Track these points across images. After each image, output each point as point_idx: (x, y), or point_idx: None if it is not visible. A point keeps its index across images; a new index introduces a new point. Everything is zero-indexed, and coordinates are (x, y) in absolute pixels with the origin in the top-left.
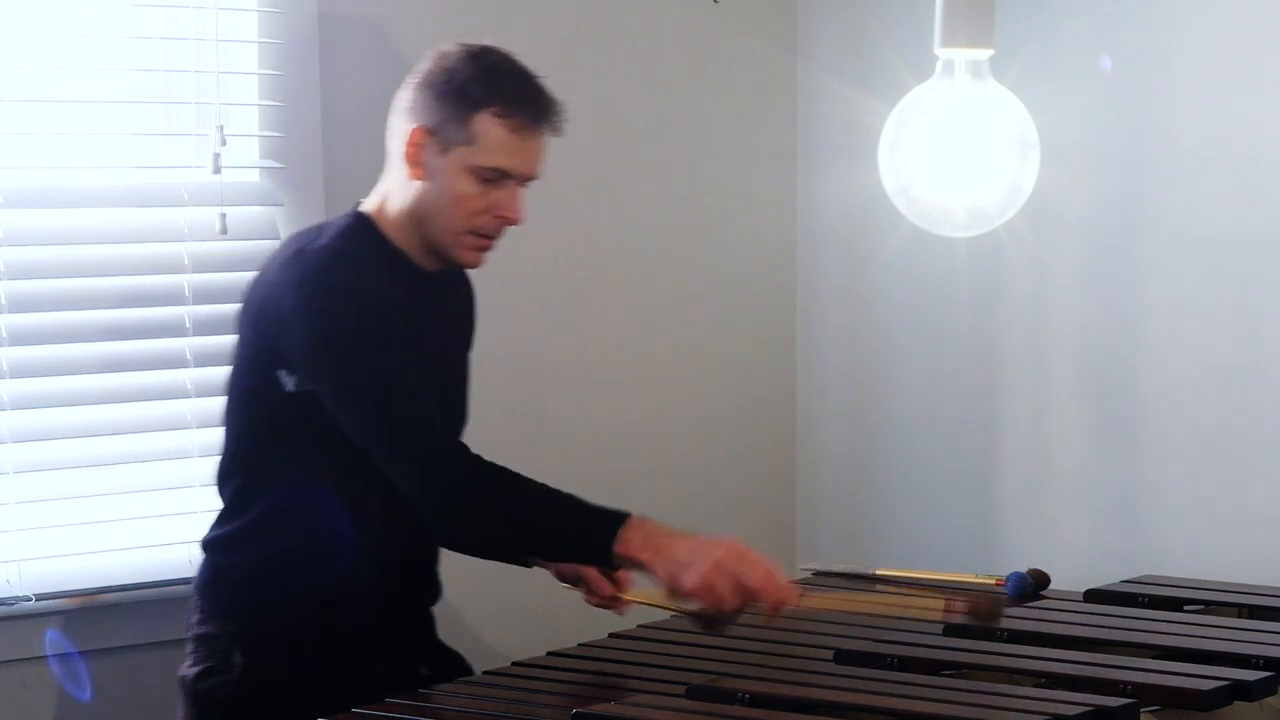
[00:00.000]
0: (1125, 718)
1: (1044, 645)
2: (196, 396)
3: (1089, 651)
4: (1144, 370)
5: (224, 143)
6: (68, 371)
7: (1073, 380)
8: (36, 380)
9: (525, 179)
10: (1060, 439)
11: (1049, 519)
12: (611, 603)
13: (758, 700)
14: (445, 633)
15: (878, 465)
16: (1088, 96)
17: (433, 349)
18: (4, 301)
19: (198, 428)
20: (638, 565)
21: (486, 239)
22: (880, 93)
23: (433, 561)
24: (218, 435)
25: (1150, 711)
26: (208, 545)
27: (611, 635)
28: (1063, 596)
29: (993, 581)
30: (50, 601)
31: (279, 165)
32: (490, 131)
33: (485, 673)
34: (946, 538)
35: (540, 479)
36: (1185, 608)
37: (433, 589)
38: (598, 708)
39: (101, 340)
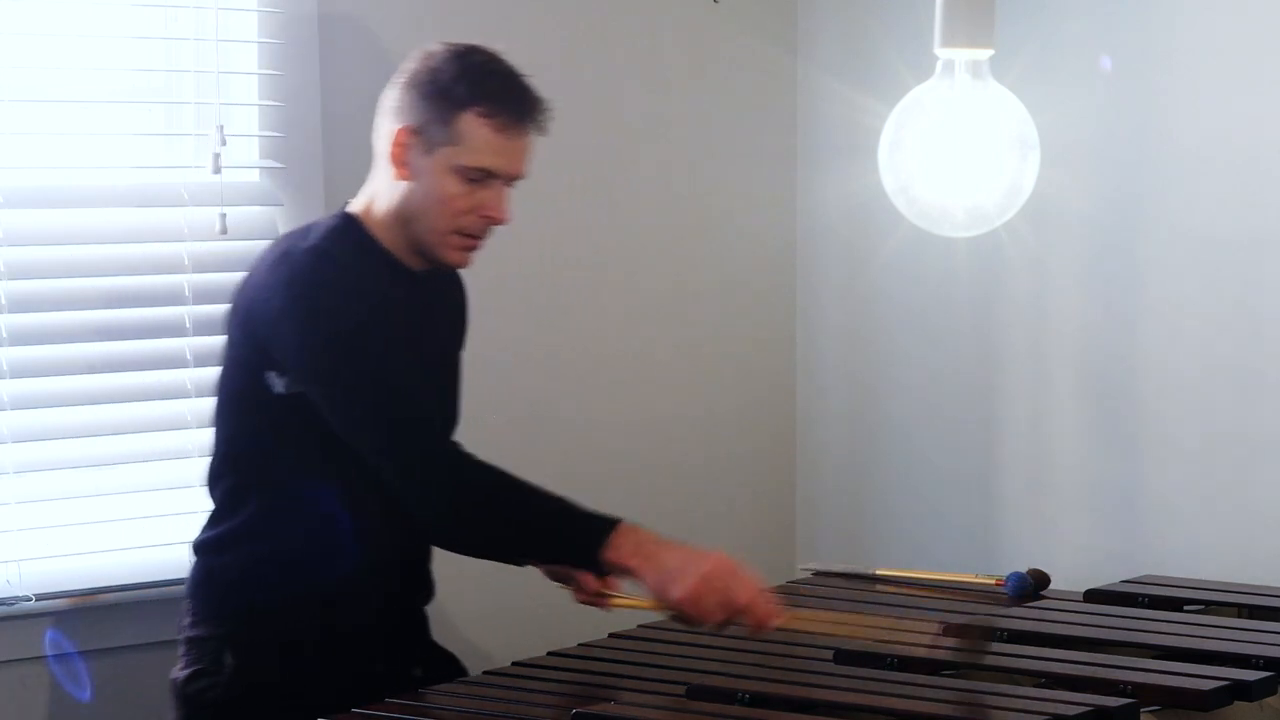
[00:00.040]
0: (1125, 718)
1: (1044, 645)
2: (196, 396)
3: (1089, 651)
4: (1144, 370)
5: (224, 143)
6: (68, 371)
7: (1073, 380)
8: (36, 380)
9: (511, 179)
10: (1060, 439)
11: (1049, 519)
12: (598, 599)
13: (758, 700)
14: (445, 633)
15: (878, 465)
16: (1088, 96)
17: (422, 349)
18: (4, 301)
19: (198, 428)
20: (627, 572)
21: (473, 239)
22: (880, 93)
23: (426, 561)
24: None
25: (1150, 711)
26: (199, 548)
27: (611, 635)
28: (1063, 596)
29: (993, 581)
30: (50, 601)
31: (279, 165)
32: (474, 132)
33: (485, 673)
34: (946, 538)
35: (540, 478)
36: (1185, 608)
37: (426, 589)
38: (598, 708)
39: (101, 340)
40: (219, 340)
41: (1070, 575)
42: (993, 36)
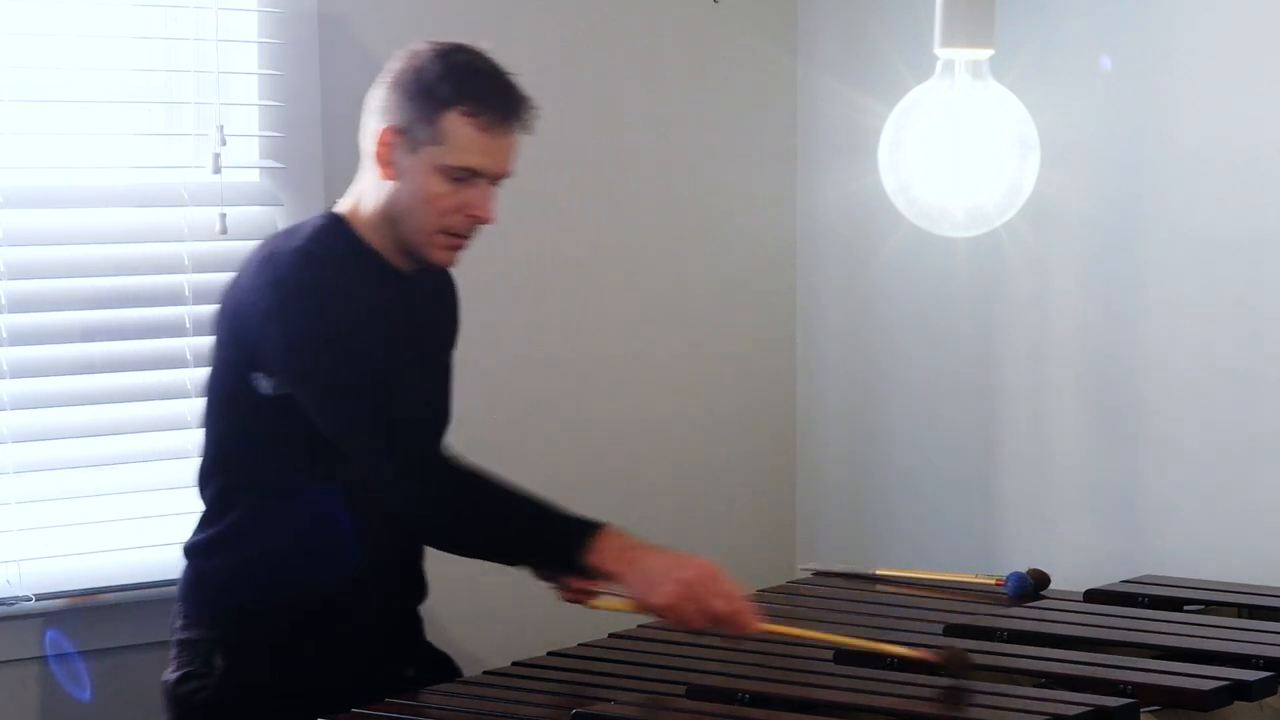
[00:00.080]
0: (1125, 718)
1: (1044, 645)
2: (196, 396)
3: (1089, 651)
4: (1144, 370)
5: (224, 143)
6: (68, 371)
7: (1073, 380)
8: (36, 380)
9: (497, 177)
10: (1060, 439)
11: (1049, 519)
12: (582, 596)
13: (758, 700)
14: (445, 633)
15: (878, 465)
16: (1088, 96)
17: (410, 349)
18: (4, 301)
19: (198, 428)
20: (609, 577)
21: (459, 238)
22: (880, 93)
23: (421, 560)
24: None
25: (1150, 711)
26: (189, 551)
27: (611, 635)
28: (1063, 596)
29: (993, 581)
30: (50, 601)
31: (279, 165)
32: (458, 131)
33: (485, 672)
34: (946, 538)
35: (540, 478)
36: (1185, 608)
37: (421, 588)
38: (598, 708)
39: (101, 340)
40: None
41: (1070, 575)
42: (993, 36)
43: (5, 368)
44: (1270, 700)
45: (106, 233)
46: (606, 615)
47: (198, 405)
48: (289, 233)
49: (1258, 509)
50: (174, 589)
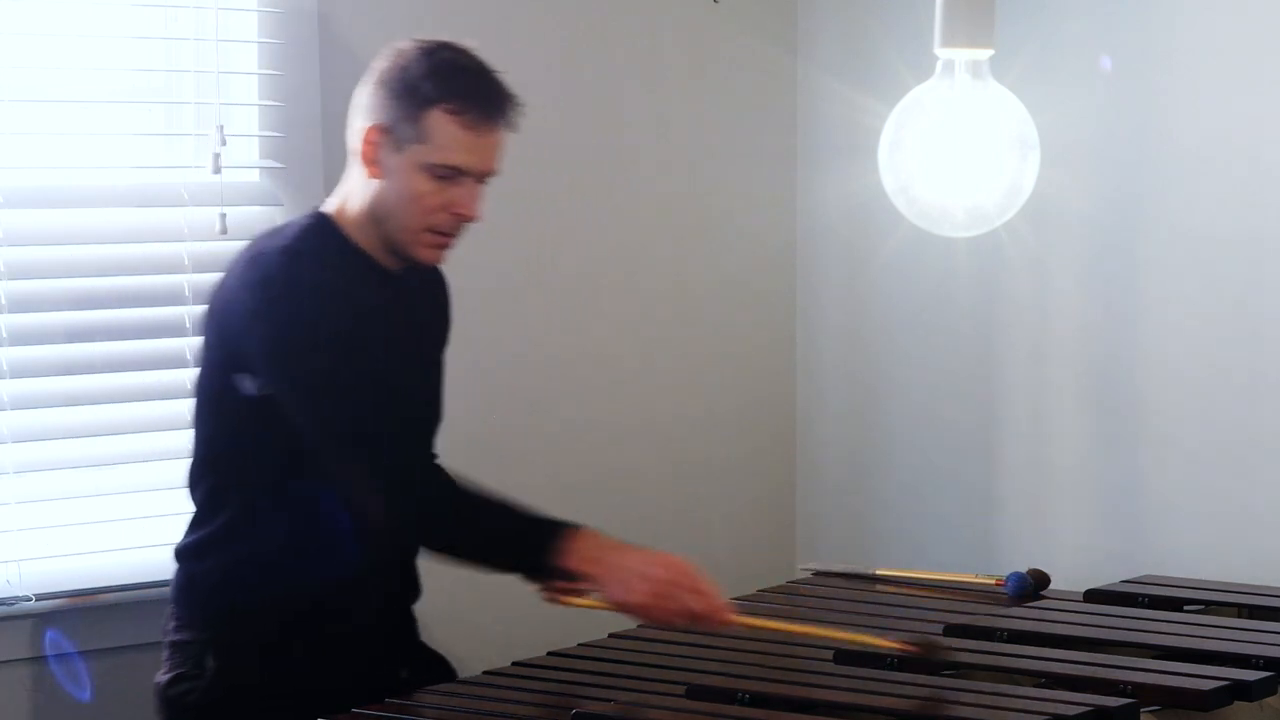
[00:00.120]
0: (1125, 718)
1: (1044, 645)
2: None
3: (1089, 651)
4: (1144, 370)
5: (224, 143)
6: (68, 371)
7: (1073, 380)
8: (36, 380)
9: (482, 175)
10: (1060, 439)
11: (1049, 519)
12: (563, 596)
13: (758, 700)
14: (444, 633)
15: (878, 465)
16: (1088, 96)
17: (399, 348)
18: (4, 301)
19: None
20: (584, 578)
21: (445, 236)
22: (880, 93)
23: (413, 560)
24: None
25: (1150, 711)
26: (180, 554)
27: (611, 635)
28: (1063, 596)
29: (993, 581)
30: (50, 601)
31: (279, 165)
32: (442, 129)
33: (485, 672)
34: (946, 538)
35: (540, 478)
36: (1185, 608)
37: (415, 588)
38: (598, 708)
39: (101, 340)
40: None
41: (1070, 575)
42: (993, 36)
43: (5, 368)
44: (1270, 700)
45: (106, 233)
46: (607, 615)
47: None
48: (275, 232)
49: (1258, 509)
50: None
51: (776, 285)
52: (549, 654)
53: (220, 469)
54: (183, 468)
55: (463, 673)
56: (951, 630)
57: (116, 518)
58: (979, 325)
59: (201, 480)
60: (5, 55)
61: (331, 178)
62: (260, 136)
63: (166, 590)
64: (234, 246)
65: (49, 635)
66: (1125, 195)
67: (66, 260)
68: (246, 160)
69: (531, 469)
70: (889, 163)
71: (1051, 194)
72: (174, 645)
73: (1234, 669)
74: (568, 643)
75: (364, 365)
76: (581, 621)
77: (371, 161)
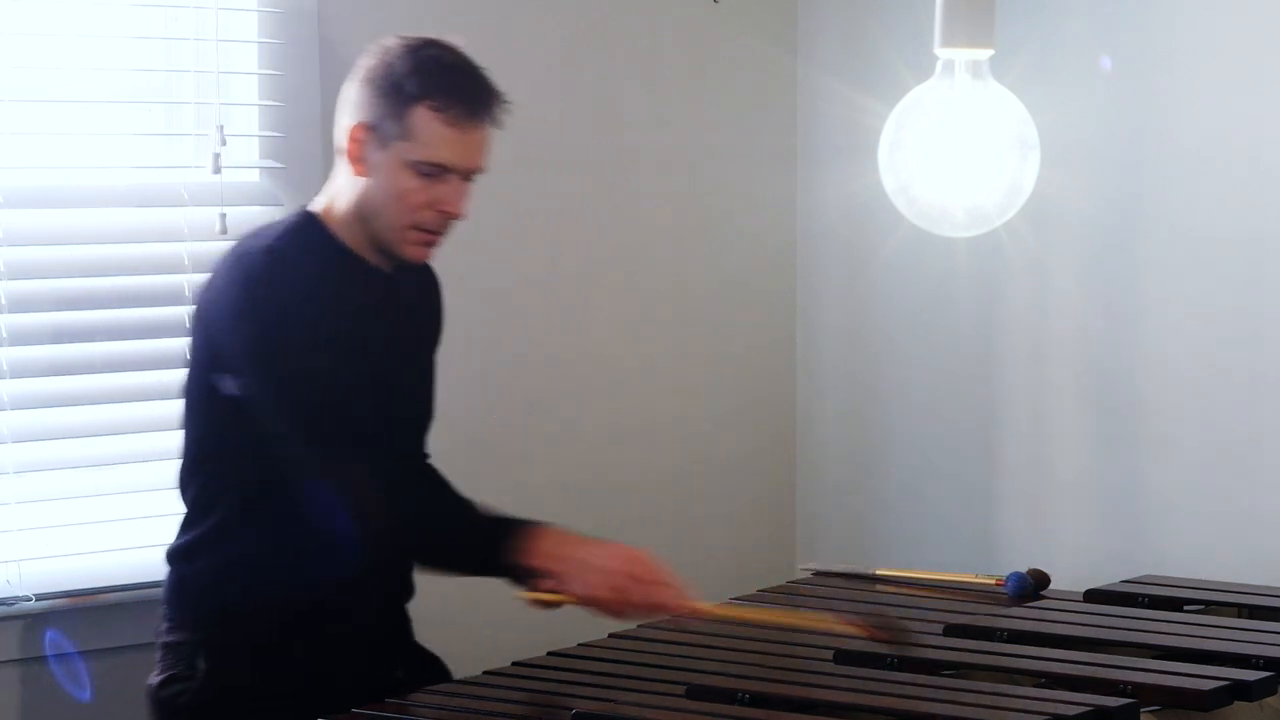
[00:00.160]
0: (1125, 718)
1: (1044, 645)
2: None
3: (1089, 651)
4: (1144, 370)
5: (224, 143)
6: (68, 371)
7: (1073, 380)
8: (36, 380)
9: (468, 173)
10: (1060, 439)
11: (1049, 519)
12: (530, 593)
13: (758, 700)
14: (443, 633)
15: (878, 465)
16: (1088, 96)
17: (386, 348)
18: (4, 301)
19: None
20: (547, 575)
21: (431, 234)
22: (880, 93)
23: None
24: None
25: (1150, 711)
26: (171, 555)
27: (611, 635)
28: (1063, 596)
29: (993, 581)
30: (50, 601)
31: (279, 165)
32: (426, 126)
33: (485, 672)
34: (946, 538)
35: (539, 478)
36: (1185, 608)
37: (407, 587)
38: (598, 708)
39: (101, 340)
40: None
41: (1070, 575)
42: (993, 36)
43: (5, 368)
44: (1270, 700)
45: (106, 233)
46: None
47: None
48: (260, 231)
49: (1258, 509)
50: None
51: (776, 285)
52: (549, 654)
53: (209, 470)
54: None
55: (462, 673)
56: (951, 630)
57: (116, 518)
58: (979, 325)
59: (191, 481)
60: (5, 55)
61: None
62: (260, 136)
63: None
64: None
65: (49, 635)
66: (1125, 195)
67: (66, 260)
68: (246, 160)
69: (531, 469)
70: (889, 163)
71: (1051, 194)
72: (166, 646)
73: (1234, 669)
74: (568, 643)
75: (348, 365)
76: (582, 621)
77: (357, 159)
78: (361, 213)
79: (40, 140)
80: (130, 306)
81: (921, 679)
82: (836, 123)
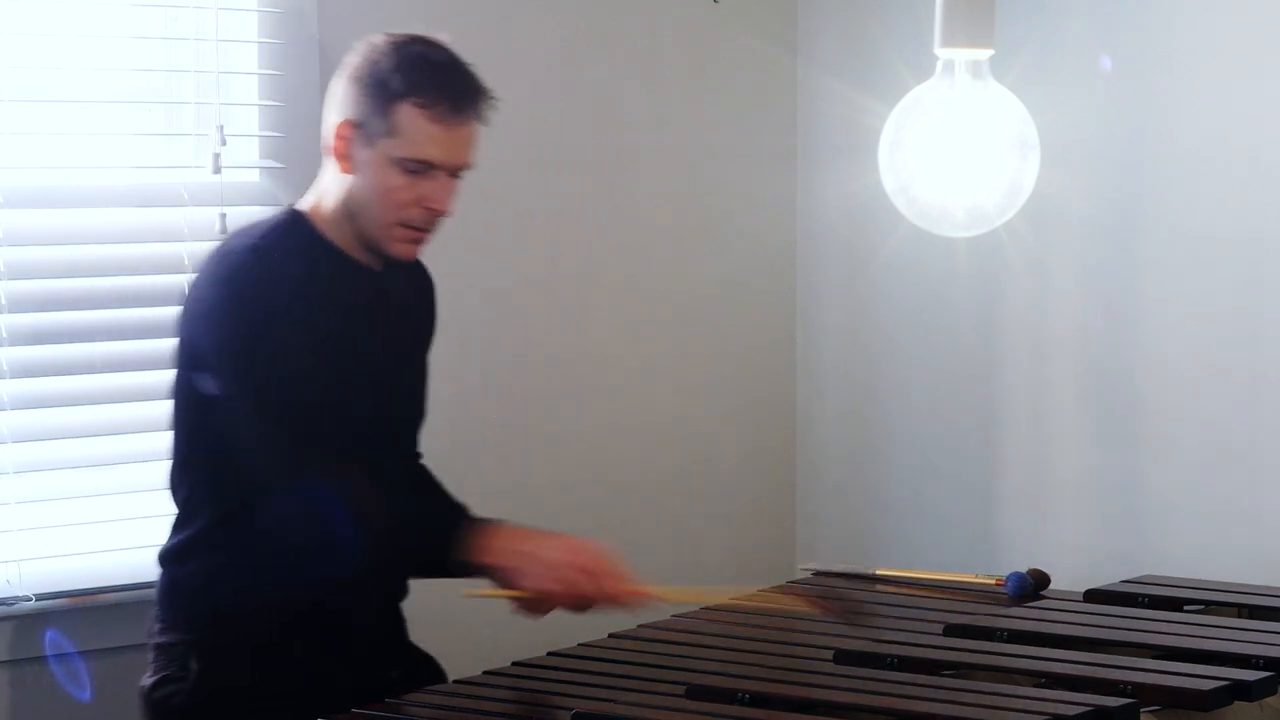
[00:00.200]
0: (1125, 718)
1: (1044, 645)
2: None
3: (1089, 651)
4: (1144, 370)
5: (224, 143)
6: (68, 371)
7: (1073, 380)
8: (36, 380)
9: (454, 169)
10: (1060, 439)
11: (1049, 519)
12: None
13: (758, 700)
14: (443, 633)
15: (878, 465)
16: (1088, 96)
17: (375, 347)
18: (4, 301)
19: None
20: (501, 572)
21: (418, 231)
22: (880, 93)
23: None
24: None
25: (1150, 711)
26: (163, 557)
27: (611, 635)
28: (1063, 596)
29: (993, 581)
30: (50, 601)
31: (279, 165)
32: (411, 123)
33: (485, 672)
34: (946, 538)
35: (539, 478)
36: (1185, 608)
37: (401, 586)
38: (598, 708)
39: (101, 340)
40: None
41: (1070, 575)
42: (993, 36)
43: (5, 368)
44: (1270, 700)
45: (106, 233)
46: (606, 615)
47: None
48: (246, 229)
49: (1258, 509)
50: None
51: (776, 285)
52: (549, 654)
53: (198, 471)
54: None
55: (462, 673)
56: (951, 630)
57: (116, 518)
58: (979, 325)
59: (181, 483)
60: (5, 55)
61: None
62: (260, 136)
63: None
64: None
65: (49, 635)
66: (1125, 195)
67: (66, 260)
68: (246, 160)
69: (531, 469)
70: (889, 163)
71: (1051, 194)
72: (158, 648)
73: (1234, 669)
74: (568, 643)
75: (335, 364)
76: (582, 621)
77: (343, 156)
78: (349, 210)
79: (40, 140)
80: (130, 306)
81: (921, 679)
82: (836, 123)
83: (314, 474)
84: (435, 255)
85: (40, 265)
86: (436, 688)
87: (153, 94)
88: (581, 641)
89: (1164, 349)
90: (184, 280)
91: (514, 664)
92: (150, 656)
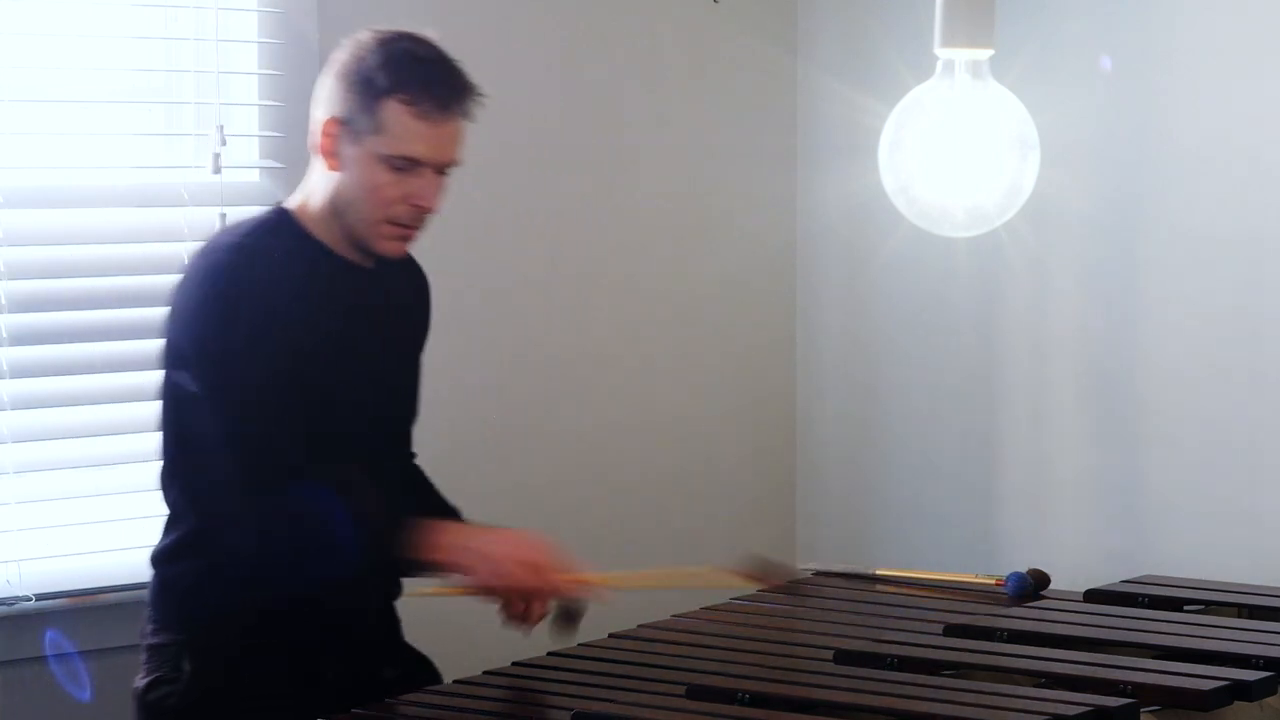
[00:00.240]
0: (1125, 718)
1: (1044, 645)
2: None
3: (1089, 651)
4: (1144, 370)
5: (224, 143)
6: (68, 371)
7: (1073, 380)
8: (36, 380)
9: (441, 166)
10: (1060, 439)
11: (1049, 519)
12: (523, 620)
13: (758, 700)
14: (443, 632)
15: (878, 465)
16: (1088, 96)
17: (367, 346)
18: (4, 301)
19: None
20: (453, 569)
21: (405, 228)
22: (880, 93)
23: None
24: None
25: (1150, 711)
26: (155, 558)
27: (611, 635)
28: (1063, 596)
29: (993, 581)
30: (50, 601)
31: (279, 165)
32: (397, 119)
33: (485, 672)
34: (946, 538)
35: (539, 478)
36: (1185, 608)
37: (395, 585)
38: (598, 708)
39: (101, 340)
40: None
41: (1070, 575)
42: (993, 36)
43: (5, 368)
44: (1270, 700)
45: (106, 233)
46: (606, 615)
47: None
48: (231, 228)
49: (1258, 509)
50: None
51: (776, 285)
52: (549, 654)
53: (188, 472)
54: None
55: (461, 673)
56: (951, 630)
57: (116, 518)
58: (979, 325)
59: (172, 483)
60: (5, 55)
61: None
62: (260, 136)
63: None
64: None
65: (49, 635)
66: (1125, 195)
67: (66, 260)
68: (246, 160)
69: (531, 469)
70: (889, 163)
71: (1051, 194)
72: (151, 649)
73: (1234, 669)
74: (568, 643)
75: (322, 362)
76: (582, 622)
77: (330, 154)
78: (336, 208)
79: (40, 140)
80: (130, 306)
81: (921, 679)
82: (836, 123)
83: (280, 481)
84: (435, 255)
85: (40, 265)
86: (436, 688)
87: (153, 94)
88: (581, 641)
89: (1164, 349)
90: None
91: (514, 664)
92: (143, 658)
